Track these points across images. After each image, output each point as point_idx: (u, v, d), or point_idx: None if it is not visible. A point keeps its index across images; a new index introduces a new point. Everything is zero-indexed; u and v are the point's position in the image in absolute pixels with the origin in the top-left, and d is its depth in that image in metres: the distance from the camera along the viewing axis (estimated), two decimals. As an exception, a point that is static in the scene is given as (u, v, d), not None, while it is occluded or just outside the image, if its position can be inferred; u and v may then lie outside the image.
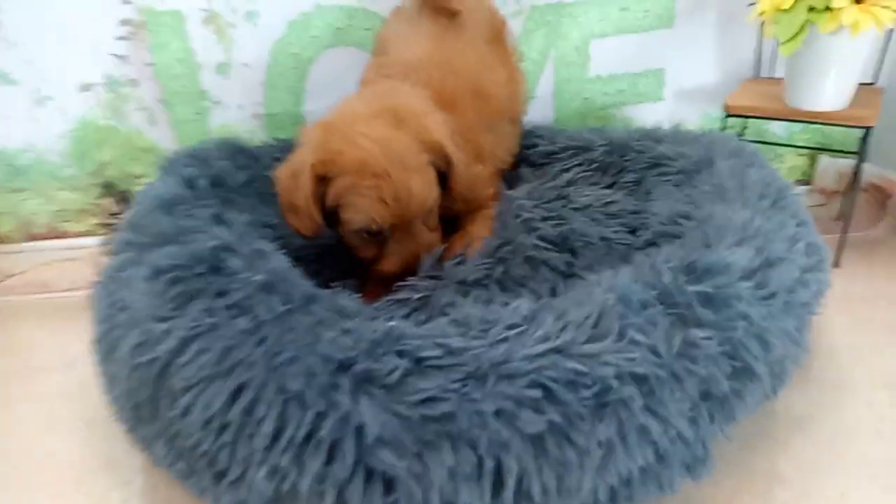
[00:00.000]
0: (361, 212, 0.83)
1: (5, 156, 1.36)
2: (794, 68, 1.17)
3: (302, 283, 0.73)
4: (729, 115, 1.26)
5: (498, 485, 0.57)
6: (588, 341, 0.62)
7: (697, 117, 1.45)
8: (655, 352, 0.62)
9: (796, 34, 1.07)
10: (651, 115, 1.42)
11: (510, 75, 1.15)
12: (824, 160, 1.47)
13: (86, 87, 1.33)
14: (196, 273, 0.70)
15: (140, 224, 0.82)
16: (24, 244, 1.44)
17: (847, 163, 1.43)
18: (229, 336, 0.63)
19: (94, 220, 1.44)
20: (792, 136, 1.45)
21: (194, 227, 0.81)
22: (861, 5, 1.04)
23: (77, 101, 1.33)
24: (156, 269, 0.71)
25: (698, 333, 0.64)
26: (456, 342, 0.61)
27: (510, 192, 0.97)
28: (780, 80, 1.30)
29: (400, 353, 0.60)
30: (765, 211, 0.84)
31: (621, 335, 0.63)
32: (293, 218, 0.87)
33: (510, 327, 0.64)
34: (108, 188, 1.41)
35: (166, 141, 1.36)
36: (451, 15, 1.09)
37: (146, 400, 0.66)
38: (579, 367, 0.59)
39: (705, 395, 0.65)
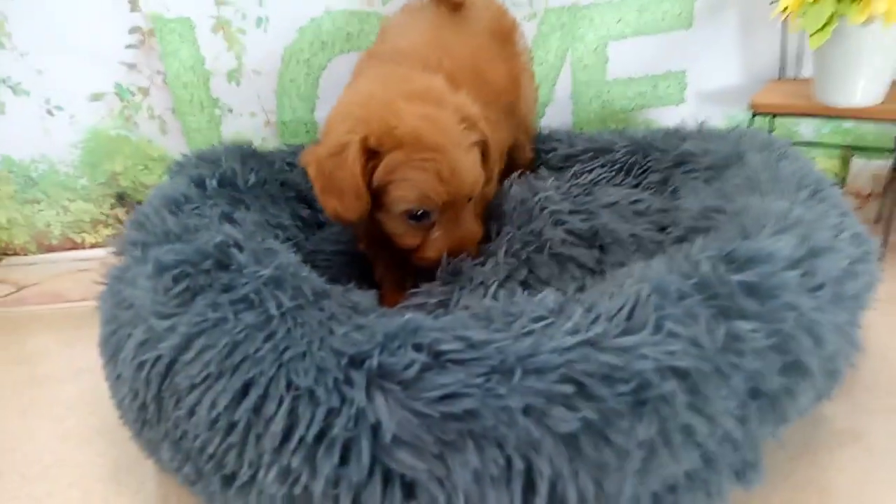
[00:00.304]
0: (416, 188, 0.77)
1: (18, 167, 1.35)
2: (824, 63, 1.12)
3: (313, 279, 0.69)
4: (756, 114, 1.21)
5: (529, 489, 0.52)
6: (622, 334, 0.57)
7: (721, 120, 1.40)
8: (697, 344, 0.56)
9: (825, 25, 1.02)
10: (673, 117, 1.37)
11: (512, 71, 1.10)
12: (857, 162, 1.41)
13: (96, 97, 1.31)
14: (202, 269, 0.67)
15: (146, 223, 0.79)
16: (38, 256, 1.42)
17: (881, 164, 1.37)
18: (236, 331, 0.58)
19: (108, 231, 1.41)
20: (821, 137, 1.40)
21: (201, 226, 0.77)
22: (895, -8, 0.99)
23: (88, 110, 1.32)
24: (160, 266, 0.68)
25: (744, 326, 0.59)
26: (477, 335, 0.56)
27: (536, 183, 0.92)
28: (806, 80, 1.26)
29: (417, 347, 0.55)
30: (804, 202, 0.79)
31: (658, 327, 0.57)
32: (334, 201, 0.79)
33: (536, 320, 0.59)
34: (121, 198, 1.39)
35: (178, 150, 1.33)
36: (455, 7, 1.05)
37: (151, 400, 0.62)
38: (614, 360, 0.54)
39: (754, 393, 0.59)
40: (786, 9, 1.09)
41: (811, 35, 1.04)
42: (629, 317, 0.59)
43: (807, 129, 1.39)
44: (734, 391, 0.58)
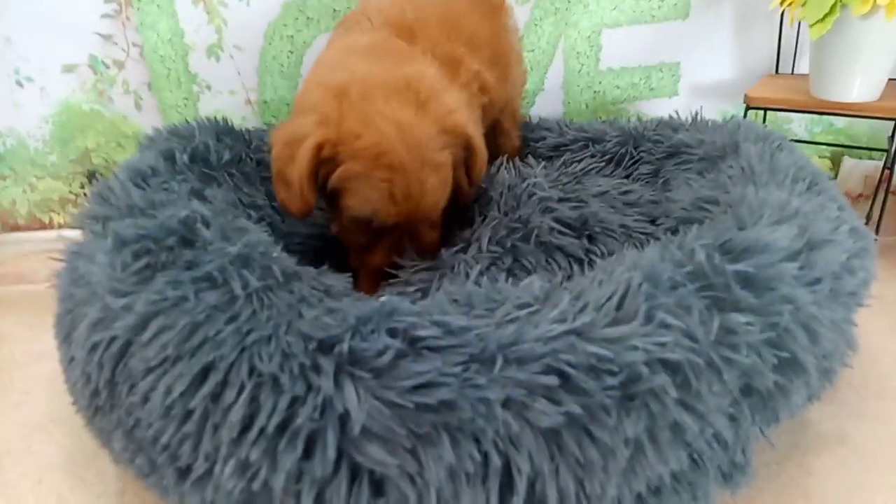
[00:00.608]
0: (367, 203, 0.75)
1: (-15, 141, 1.29)
2: (822, 56, 1.09)
3: (283, 259, 0.64)
4: (749, 108, 1.18)
5: (506, 488, 0.48)
6: (611, 324, 0.54)
7: (714, 114, 1.36)
8: (690, 336, 0.53)
9: (826, 15, 0.99)
10: (665, 110, 1.33)
11: (497, 46, 1.05)
12: (848, 162, 1.39)
13: (69, 69, 1.25)
14: (165, 245, 0.62)
15: (109, 196, 0.74)
16: (3, 235, 1.36)
17: (872, 165, 1.35)
18: (197, 311, 0.54)
19: (77, 211, 1.36)
20: (813, 137, 1.37)
21: (168, 201, 0.72)
22: (899, -16, 0.97)
23: (59, 82, 1.26)
24: (120, 241, 0.63)
25: (738, 318, 0.55)
26: (457, 321, 0.52)
27: (524, 169, 0.88)
28: (801, 76, 1.24)
29: (392, 332, 0.51)
30: (801, 194, 0.75)
31: (649, 318, 0.54)
32: (283, 191, 0.78)
33: (520, 307, 0.55)
34: (92, 177, 1.33)
35: (153, 127, 1.28)
36: None
37: (104, 385, 0.57)
38: (602, 351, 0.50)
39: (747, 390, 0.56)
40: (785, 0, 1.06)
41: (811, 25, 1.01)
42: (619, 306, 0.55)
43: (799, 127, 1.37)
44: (726, 387, 0.54)
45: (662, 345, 0.52)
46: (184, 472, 0.52)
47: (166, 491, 0.55)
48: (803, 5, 1.03)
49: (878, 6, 0.97)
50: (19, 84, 1.25)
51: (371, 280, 0.81)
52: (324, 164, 0.74)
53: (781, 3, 1.08)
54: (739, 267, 0.58)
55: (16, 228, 1.37)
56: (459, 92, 0.82)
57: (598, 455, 0.49)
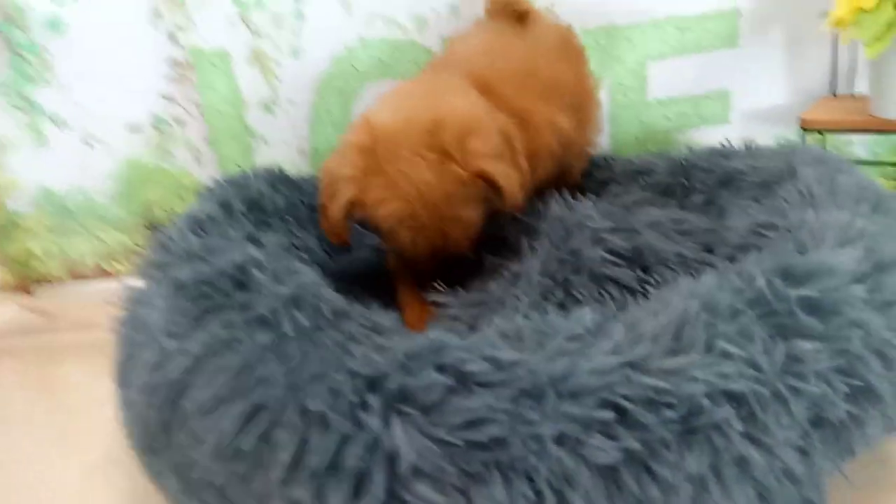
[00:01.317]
0: (402, 245, 0.82)
1: (55, 198, 1.36)
2: (880, 74, 1.06)
3: (333, 298, 0.65)
4: (806, 131, 1.15)
5: (563, 527, 0.46)
6: (669, 355, 0.52)
7: (768, 140, 1.32)
8: (754, 365, 0.50)
9: (884, 33, 0.96)
10: (717, 138, 1.30)
11: (582, 88, 1.08)
12: (916, 182, 1.32)
13: (134, 129, 1.32)
14: (219, 289, 0.63)
15: (169, 244, 0.77)
16: (70, 285, 1.42)
17: (943, 184, 1.28)
18: (248, 352, 0.55)
19: (139, 260, 1.41)
20: (877, 157, 1.32)
21: (224, 247, 0.74)
22: (958, -3, 0.93)
23: (125, 141, 1.33)
24: (177, 285, 0.65)
25: (805, 345, 0.52)
26: (507, 355, 0.51)
27: (574, 201, 0.87)
28: (860, 96, 1.20)
29: (440, 368, 0.50)
30: (865, 215, 0.72)
31: (709, 347, 0.52)
32: (325, 222, 0.85)
33: (572, 339, 0.53)
34: (153, 228, 1.39)
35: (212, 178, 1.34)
36: (520, 18, 1.04)
37: (159, 427, 0.58)
38: (660, 383, 0.48)
39: (817, 422, 0.53)
40: (839, 21, 1.03)
41: (867, 45, 0.98)
42: (676, 336, 0.53)
43: (861, 149, 1.32)
44: (795, 419, 0.51)
45: (725, 375, 0.50)
46: (236, 514, 0.52)
47: (220, 533, 0.55)
48: (857, 25, 1.00)
49: (937, 20, 0.94)
50: (88, 144, 1.33)
51: (421, 313, 0.82)
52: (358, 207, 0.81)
53: (836, 24, 1.05)
54: (803, 292, 0.55)
55: (82, 276, 1.43)
56: (496, 127, 0.84)
57: (658, 493, 0.47)
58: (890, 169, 1.31)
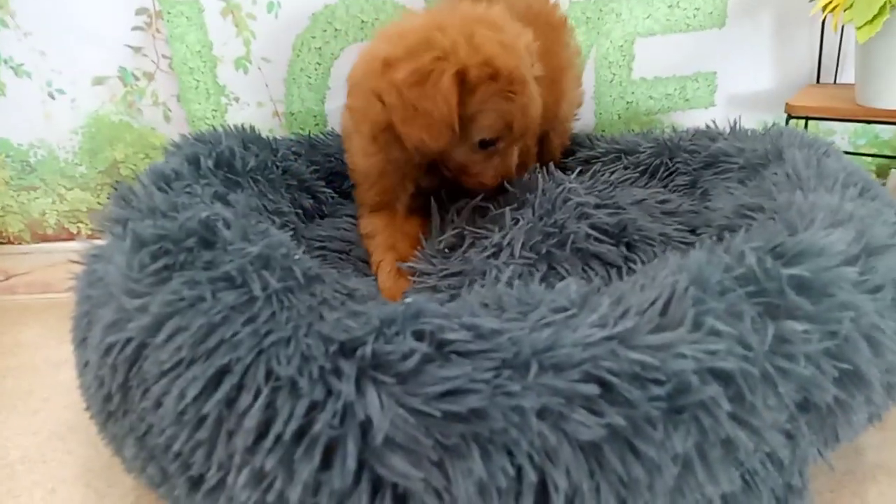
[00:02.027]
0: (503, 118, 0.79)
1: (16, 152, 1.30)
2: (869, 61, 1.04)
3: (305, 261, 0.61)
4: (791, 117, 1.13)
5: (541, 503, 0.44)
6: (656, 330, 0.49)
7: (753, 125, 1.32)
8: (744, 344, 0.49)
9: (875, 17, 0.95)
10: (701, 121, 1.28)
11: (555, 63, 1.04)
12: (895, 175, 1.33)
13: (99, 81, 1.26)
14: (184, 247, 0.59)
15: (131, 199, 0.72)
16: (32, 245, 1.36)
17: (921, 177, 1.29)
18: (213, 312, 0.51)
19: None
20: (858, 149, 1.31)
21: (190, 203, 0.70)
22: (954, -16, 0.92)
23: (90, 94, 1.26)
24: (139, 241, 0.61)
25: (795, 326, 0.51)
26: (488, 323, 0.48)
27: (558, 174, 0.84)
28: (844, 85, 1.19)
29: (418, 335, 0.47)
30: (854, 199, 0.71)
31: (697, 324, 0.50)
32: (421, 131, 0.76)
33: (556, 311, 0.51)
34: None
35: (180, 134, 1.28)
36: None
37: (117, 389, 0.55)
38: (647, 358, 0.46)
39: (805, 405, 0.51)
40: (829, 4, 1.01)
41: (859, 28, 0.96)
42: (663, 311, 0.51)
43: (842, 140, 1.31)
44: (783, 401, 0.49)
45: (713, 353, 0.48)
46: (196, 482, 0.49)
47: (178, 502, 0.52)
48: (849, 8, 0.98)
49: (932, 7, 0.93)
50: (51, 96, 1.26)
51: (398, 280, 0.79)
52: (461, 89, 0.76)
53: (824, 9, 1.03)
54: (794, 271, 0.54)
55: (44, 238, 1.37)
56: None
57: (643, 472, 0.45)
58: (869, 161, 1.31)
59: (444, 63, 0.74)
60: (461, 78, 0.75)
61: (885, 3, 0.94)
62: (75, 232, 1.37)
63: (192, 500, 0.50)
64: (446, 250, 0.79)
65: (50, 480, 0.75)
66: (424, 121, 0.75)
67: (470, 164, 0.84)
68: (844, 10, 0.99)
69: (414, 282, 0.76)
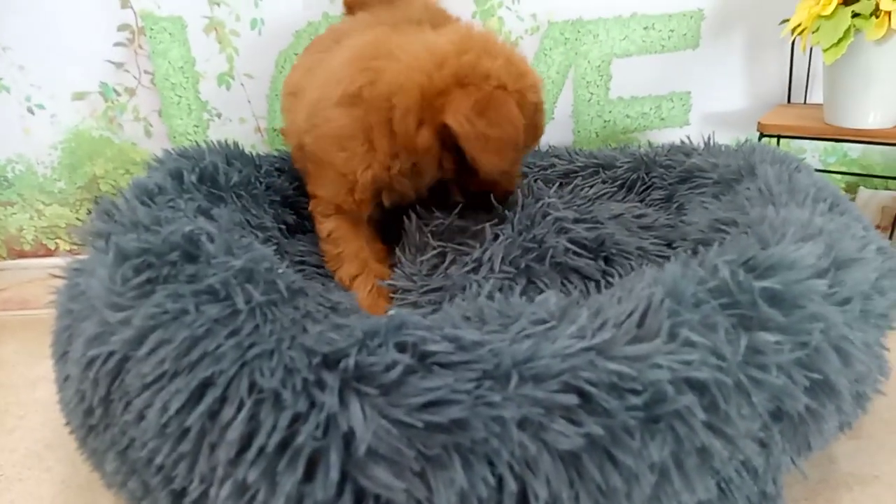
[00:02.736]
0: (537, 128, 0.88)
1: (-6, 167, 1.29)
2: (836, 82, 1.07)
3: (289, 274, 0.62)
4: (763, 136, 1.16)
5: (522, 514, 0.45)
6: (633, 341, 0.51)
7: (726, 143, 1.36)
8: (718, 354, 0.50)
9: (840, 40, 0.98)
10: (676, 140, 1.33)
11: None
12: (864, 193, 1.36)
13: (80, 96, 1.25)
14: (167, 260, 0.60)
15: (114, 213, 0.72)
16: (9, 262, 1.35)
17: (889, 195, 1.32)
18: (197, 325, 0.51)
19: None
20: (828, 167, 1.35)
21: (173, 218, 0.71)
22: (914, 9, 0.95)
23: (70, 109, 1.26)
24: (121, 255, 0.61)
25: (767, 337, 0.52)
26: (469, 335, 0.49)
27: (537, 190, 0.86)
28: (814, 105, 1.22)
29: (400, 347, 0.48)
30: (824, 213, 0.73)
31: (673, 335, 0.51)
32: (493, 154, 0.79)
33: (536, 323, 0.52)
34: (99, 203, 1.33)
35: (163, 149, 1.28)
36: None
37: (98, 403, 0.55)
38: (624, 369, 0.47)
39: (777, 414, 0.53)
40: (797, 27, 1.05)
41: (825, 50, 1.00)
42: (640, 323, 0.52)
43: (812, 158, 1.35)
44: (756, 410, 0.51)
45: (688, 363, 0.49)
46: (178, 496, 0.49)
47: (159, 517, 0.52)
48: (816, 31, 1.01)
49: (893, 31, 0.96)
50: (30, 111, 1.26)
51: (379, 295, 0.80)
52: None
53: (793, 32, 1.07)
54: (766, 284, 0.55)
55: (21, 255, 1.36)
56: None
57: (621, 481, 0.46)
58: (839, 178, 1.34)
59: (504, 91, 0.79)
60: (518, 102, 0.80)
61: (849, 27, 0.97)
62: (53, 248, 1.36)
63: (174, 514, 0.50)
64: (428, 271, 0.80)
65: (27, 499, 0.74)
66: (496, 146, 0.78)
67: (501, 176, 0.86)
68: (812, 33, 1.03)
69: (394, 299, 0.76)
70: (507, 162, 0.79)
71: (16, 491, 0.76)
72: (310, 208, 0.91)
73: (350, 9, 1.15)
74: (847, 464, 0.76)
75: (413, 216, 0.88)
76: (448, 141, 0.80)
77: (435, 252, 0.82)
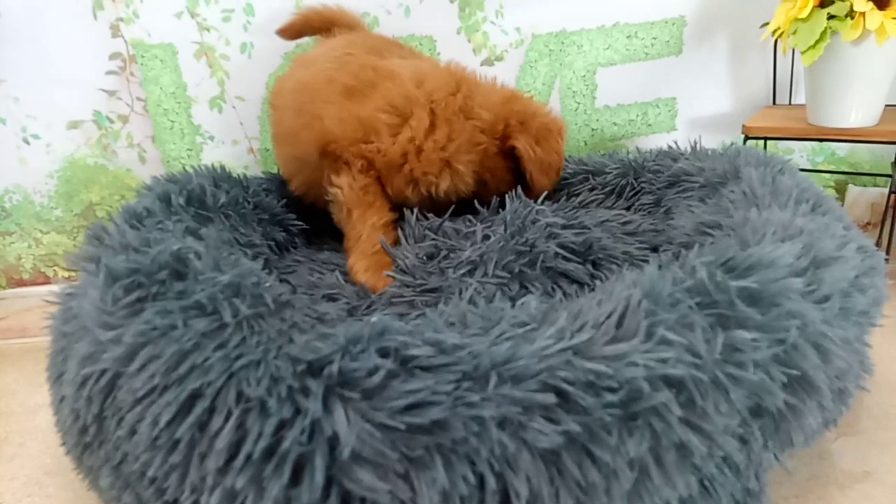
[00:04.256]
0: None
1: (-8, 198, 1.31)
2: (816, 83, 1.09)
3: (276, 287, 0.63)
4: (748, 138, 1.18)
5: (504, 512, 0.46)
6: (611, 342, 0.52)
7: (713, 147, 1.37)
8: (693, 352, 0.51)
9: (817, 42, 1.00)
10: (664, 146, 1.35)
11: None
12: (853, 190, 1.38)
13: (74, 125, 1.28)
14: (156, 279, 0.61)
15: (104, 237, 0.74)
16: (8, 290, 1.36)
17: (878, 192, 1.34)
18: (185, 340, 0.53)
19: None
20: (816, 166, 1.36)
21: (161, 238, 0.72)
22: (888, 10, 0.97)
23: (65, 138, 1.28)
24: (111, 276, 0.62)
25: (744, 335, 0.53)
26: (450, 339, 0.50)
27: (527, 198, 0.88)
28: (799, 106, 1.24)
29: (383, 352, 0.49)
30: (805, 214, 0.74)
31: (650, 335, 0.52)
32: (547, 176, 1.01)
33: (516, 325, 0.53)
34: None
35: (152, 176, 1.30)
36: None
37: (92, 420, 0.56)
38: (601, 367, 0.48)
39: (756, 410, 0.53)
40: (777, 29, 1.07)
41: (803, 52, 1.02)
42: (618, 324, 0.53)
43: (801, 158, 1.36)
44: (734, 406, 0.52)
45: (664, 361, 0.50)
46: (170, 507, 0.50)
47: (153, 529, 0.53)
48: (794, 34, 1.03)
49: (868, 31, 0.98)
50: (26, 141, 1.28)
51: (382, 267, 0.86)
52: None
53: (773, 34, 1.09)
54: (743, 283, 0.56)
55: (20, 283, 1.37)
56: None
57: (599, 477, 0.46)
58: (828, 177, 1.36)
59: (551, 125, 1.00)
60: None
61: (825, 29, 0.99)
62: (51, 276, 1.38)
63: (167, 526, 0.51)
64: (424, 258, 0.82)
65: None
66: (551, 171, 1.00)
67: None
68: (791, 36, 1.04)
69: (392, 296, 0.77)
70: (552, 182, 1.02)
71: (16, 517, 0.76)
72: (346, 157, 0.94)
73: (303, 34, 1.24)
74: (838, 461, 0.76)
75: (413, 210, 0.93)
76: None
77: (432, 242, 0.84)
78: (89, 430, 0.57)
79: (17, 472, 0.85)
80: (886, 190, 1.27)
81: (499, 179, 1.01)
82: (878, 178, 1.31)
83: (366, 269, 0.86)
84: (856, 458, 0.76)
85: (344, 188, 0.92)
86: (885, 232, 1.20)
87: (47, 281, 1.38)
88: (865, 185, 1.35)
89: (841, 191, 1.38)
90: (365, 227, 0.90)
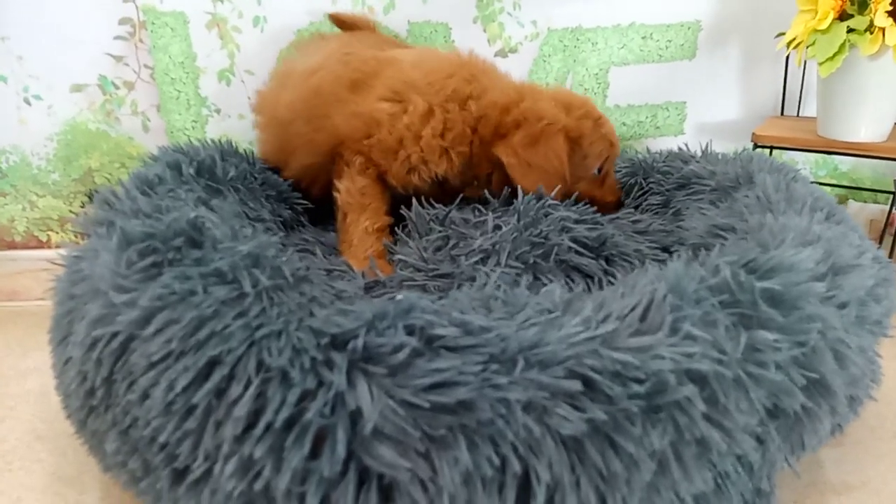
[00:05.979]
0: (603, 144, 0.99)
1: (-13, 155, 1.28)
2: (830, 96, 1.10)
3: (294, 261, 0.62)
4: (757, 146, 1.18)
5: (524, 497, 0.45)
6: (636, 334, 0.51)
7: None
8: (718, 348, 0.51)
9: (836, 54, 1.00)
10: (672, 148, 1.35)
11: None
12: (853, 206, 1.39)
13: (78, 88, 1.25)
14: (172, 245, 0.60)
15: (114, 202, 0.72)
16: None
17: (877, 209, 1.35)
18: (205, 306, 0.52)
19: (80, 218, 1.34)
20: (818, 180, 1.37)
21: (174, 206, 0.71)
22: (907, 26, 0.98)
23: (68, 101, 1.26)
24: (126, 239, 0.61)
25: (766, 336, 0.53)
26: (477, 320, 0.50)
27: (539, 190, 0.87)
28: (806, 118, 1.25)
29: (409, 330, 0.49)
30: (821, 222, 0.74)
31: (675, 329, 0.52)
32: (536, 179, 0.89)
33: (541, 312, 0.53)
34: (93, 196, 1.32)
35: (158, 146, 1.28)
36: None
37: (101, 383, 0.55)
38: (628, 358, 0.48)
39: (774, 412, 0.53)
40: (793, 41, 1.07)
41: (821, 63, 1.02)
42: (643, 317, 0.53)
43: (804, 170, 1.37)
44: (754, 406, 0.52)
45: (689, 355, 0.50)
46: (180, 474, 0.49)
47: (159, 496, 0.51)
48: (811, 45, 1.04)
49: (887, 47, 0.98)
50: (27, 102, 1.25)
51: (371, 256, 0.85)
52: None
53: (789, 45, 1.09)
54: (766, 284, 0.56)
55: (12, 246, 1.34)
56: None
57: (621, 467, 0.46)
58: (828, 192, 1.36)
59: (553, 126, 0.92)
60: (567, 135, 0.93)
61: (844, 42, 0.99)
62: (45, 240, 1.35)
63: (174, 495, 0.50)
64: (432, 252, 0.81)
65: (16, 489, 0.73)
66: (541, 173, 0.90)
67: (594, 191, 1.00)
68: (808, 47, 1.05)
69: (403, 280, 0.76)
70: (553, 187, 0.89)
71: (6, 481, 0.75)
72: (346, 157, 0.94)
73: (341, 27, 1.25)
74: (835, 469, 0.77)
75: (415, 205, 0.90)
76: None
77: (440, 234, 0.83)
78: (97, 393, 0.55)
79: (6, 436, 0.83)
80: (886, 207, 1.28)
81: (493, 176, 0.96)
82: (879, 194, 1.32)
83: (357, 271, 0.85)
84: (852, 468, 0.77)
85: (342, 191, 0.92)
86: (884, 246, 1.21)
87: (40, 245, 1.35)
88: (866, 202, 1.36)
89: (841, 205, 1.39)
90: (357, 230, 0.89)
